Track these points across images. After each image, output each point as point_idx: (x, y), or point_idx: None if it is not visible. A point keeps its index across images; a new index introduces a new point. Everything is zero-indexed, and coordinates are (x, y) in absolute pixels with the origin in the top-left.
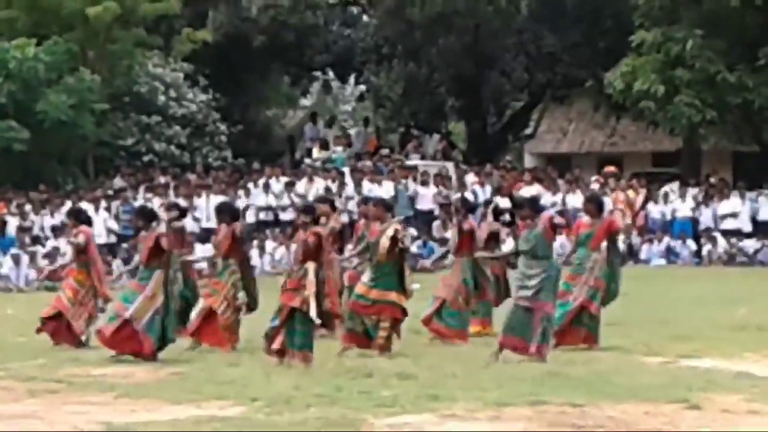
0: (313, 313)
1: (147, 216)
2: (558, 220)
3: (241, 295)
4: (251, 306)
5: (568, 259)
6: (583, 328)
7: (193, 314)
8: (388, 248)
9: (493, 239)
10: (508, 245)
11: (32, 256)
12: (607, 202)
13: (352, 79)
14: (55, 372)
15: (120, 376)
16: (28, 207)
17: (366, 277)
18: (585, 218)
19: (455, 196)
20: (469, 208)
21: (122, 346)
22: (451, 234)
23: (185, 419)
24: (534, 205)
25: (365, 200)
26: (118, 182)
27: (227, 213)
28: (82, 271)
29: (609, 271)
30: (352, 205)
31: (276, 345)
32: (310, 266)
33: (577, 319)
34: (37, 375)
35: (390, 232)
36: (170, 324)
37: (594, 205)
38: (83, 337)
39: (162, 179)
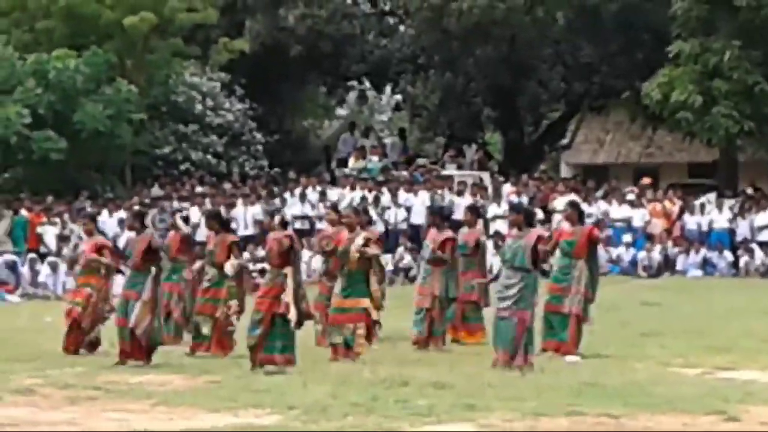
0: (293, 317)
1: (141, 220)
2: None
3: (234, 303)
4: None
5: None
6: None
7: (206, 330)
8: (358, 257)
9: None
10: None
11: (71, 264)
12: (644, 213)
13: (388, 89)
14: (94, 379)
15: (157, 384)
16: (66, 215)
17: (338, 288)
18: (566, 226)
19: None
20: (444, 217)
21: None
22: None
23: (223, 427)
24: (528, 217)
25: (333, 207)
26: (155, 191)
27: (216, 221)
28: (95, 276)
29: (589, 279)
30: (389, 215)
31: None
32: (289, 271)
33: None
34: (75, 382)
35: (360, 240)
36: (160, 327)
37: (575, 212)
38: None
39: (199, 188)
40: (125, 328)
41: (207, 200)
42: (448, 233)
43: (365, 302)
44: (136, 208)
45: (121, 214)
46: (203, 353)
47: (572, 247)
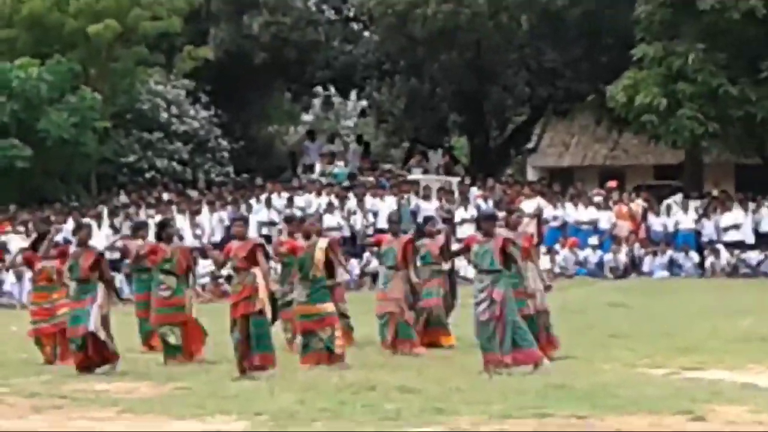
0: (268, 315)
1: (87, 231)
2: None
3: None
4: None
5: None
6: (553, 334)
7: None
8: (324, 262)
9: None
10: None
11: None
12: (611, 215)
13: (353, 95)
14: (59, 388)
15: (123, 391)
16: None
17: (302, 296)
18: (504, 231)
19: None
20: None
21: (95, 359)
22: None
23: None
24: (493, 220)
25: (288, 219)
26: (122, 199)
27: (171, 229)
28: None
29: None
30: (355, 220)
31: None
32: (257, 270)
33: (547, 327)
34: (40, 391)
35: (322, 244)
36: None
37: (516, 220)
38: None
39: (165, 195)
40: (81, 337)
41: (173, 207)
42: (441, 239)
43: (330, 307)
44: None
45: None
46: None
47: (517, 250)
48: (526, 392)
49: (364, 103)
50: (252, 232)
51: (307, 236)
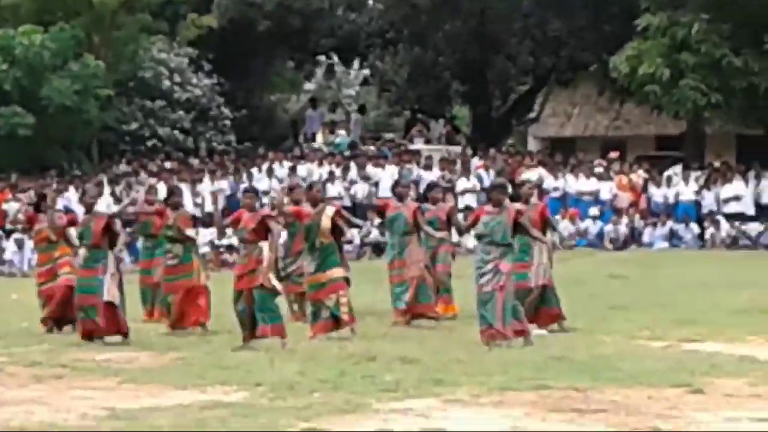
0: (276, 284)
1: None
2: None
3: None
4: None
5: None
6: (555, 306)
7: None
8: (331, 228)
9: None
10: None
11: None
12: (611, 185)
13: (356, 64)
14: (60, 357)
15: (124, 361)
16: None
17: (311, 266)
18: (517, 204)
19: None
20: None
21: (106, 329)
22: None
23: (189, 404)
24: (505, 192)
25: (292, 187)
26: (123, 167)
27: (179, 197)
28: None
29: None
30: (356, 190)
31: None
32: (264, 245)
33: (544, 300)
34: (41, 360)
35: (329, 211)
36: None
37: (528, 191)
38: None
39: (167, 164)
40: (94, 306)
41: (174, 176)
42: (447, 205)
43: (340, 272)
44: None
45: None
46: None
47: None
48: (526, 364)
49: (366, 71)
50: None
51: (313, 203)
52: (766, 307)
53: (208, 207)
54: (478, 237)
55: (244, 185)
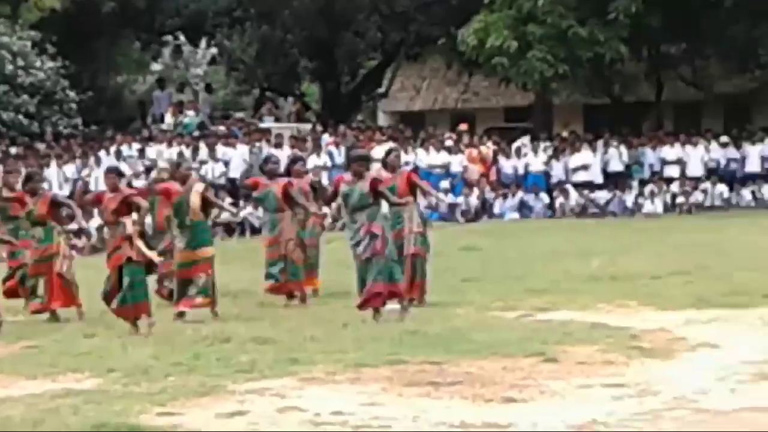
0: (148, 253)
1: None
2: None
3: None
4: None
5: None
6: (419, 279)
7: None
8: (200, 205)
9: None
10: None
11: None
12: (462, 158)
13: (203, 43)
14: None
15: None
16: None
17: (182, 243)
18: (384, 173)
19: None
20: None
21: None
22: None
23: (41, 394)
24: (365, 164)
25: (177, 165)
26: None
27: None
28: None
29: (420, 218)
30: (206, 170)
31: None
32: (127, 220)
33: (413, 270)
34: None
35: (199, 187)
36: None
37: (396, 158)
38: None
39: (12, 149)
40: None
41: (20, 162)
42: (309, 177)
43: (209, 251)
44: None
45: None
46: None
47: (394, 192)
48: (381, 339)
49: (214, 50)
50: (102, 185)
51: (182, 181)
52: (615, 273)
53: (56, 191)
54: (345, 207)
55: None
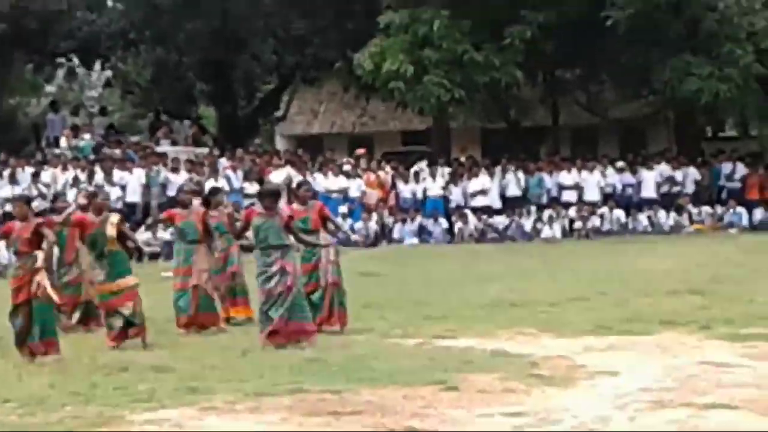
0: (52, 295)
1: None
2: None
3: None
4: None
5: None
6: (338, 307)
7: None
8: (117, 235)
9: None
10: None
11: None
12: (360, 183)
13: (98, 65)
14: None
15: None
16: None
17: (101, 275)
18: (295, 206)
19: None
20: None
21: None
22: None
23: None
24: (276, 197)
25: (93, 194)
26: None
27: None
28: None
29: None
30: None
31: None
32: (39, 254)
33: (332, 300)
34: None
35: (114, 219)
36: None
37: (306, 192)
38: None
39: None
40: None
41: None
42: (228, 209)
43: (131, 280)
44: None
45: None
46: None
47: (307, 224)
48: (281, 368)
49: (108, 73)
50: None
51: (98, 211)
52: (514, 300)
53: None
54: (256, 242)
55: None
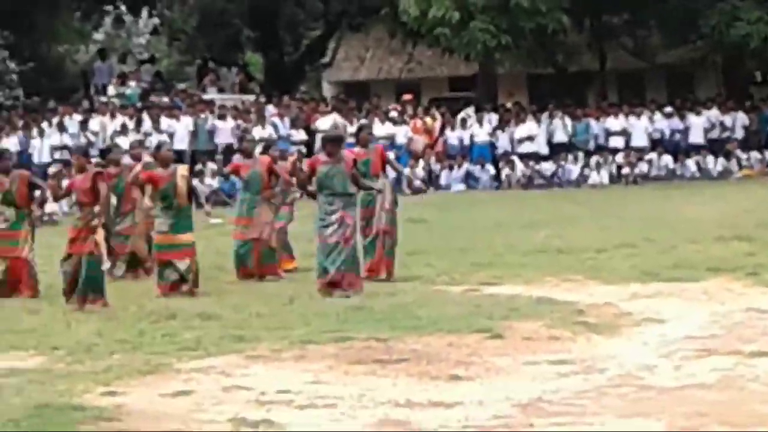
0: (103, 256)
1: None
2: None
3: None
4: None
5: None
6: (390, 255)
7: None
8: (187, 189)
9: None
10: None
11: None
12: (407, 129)
13: (145, 13)
14: None
15: None
16: None
17: (165, 226)
18: (356, 149)
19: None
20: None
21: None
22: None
23: None
24: (340, 142)
25: (157, 147)
26: None
27: (7, 161)
28: None
29: (392, 195)
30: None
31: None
32: (97, 209)
33: (383, 246)
34: None
35: (183, 172)
36: None
37: (366, 134)
38: None
39: None
40: None
41: None
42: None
43: (190, 237)
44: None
45: None
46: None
47: (368, 167)
48: (327, 316)
49: (156, 20)
50: (45, 157)
51: (164, 164)
52: (560, 247)
53: None
54: (319, 188)
55: (35, 140)
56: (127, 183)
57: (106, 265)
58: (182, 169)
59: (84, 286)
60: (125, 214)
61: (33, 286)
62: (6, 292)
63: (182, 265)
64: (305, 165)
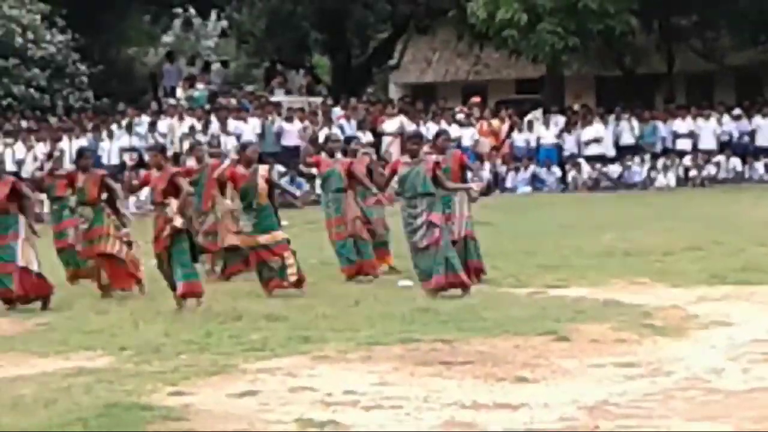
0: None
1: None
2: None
3: (125, 231)
4: None
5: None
6: (476, 258)
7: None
8: (267, 189)
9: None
10: None
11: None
12: (473, 131)
13: (213, 15)
14: None
15: None
16: None
17: (248, 227)
18: (433, 156)
19: (321, 131)
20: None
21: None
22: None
23: (53, 372)
24: (420, 142)
25: (243, 146)
26: None
27: (89, 159)
28: None
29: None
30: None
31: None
32: (172, 201)
33: (467, 252)
34: None
35: (263, 172)
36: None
37: (444, 140)
38: None
39: (24, 123)
40: (9, 274)
41: (32, 136)
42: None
43: (281, 235)
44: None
45: None
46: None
47: (448, 173)
48: (393, 318)
49: (224, 23)
50: (114, 159)
51: (248, 164)
52: (627, 249)
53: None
54: (401, 191)
55: (104, 143)
56: (209, 179)
57: (202, 266)
58: (262, 170)
59: (179, 274)
60: (206, 213)
61: (128, 279)
62: (108, 288)
63: (274, 263)
64: (387, 169)
